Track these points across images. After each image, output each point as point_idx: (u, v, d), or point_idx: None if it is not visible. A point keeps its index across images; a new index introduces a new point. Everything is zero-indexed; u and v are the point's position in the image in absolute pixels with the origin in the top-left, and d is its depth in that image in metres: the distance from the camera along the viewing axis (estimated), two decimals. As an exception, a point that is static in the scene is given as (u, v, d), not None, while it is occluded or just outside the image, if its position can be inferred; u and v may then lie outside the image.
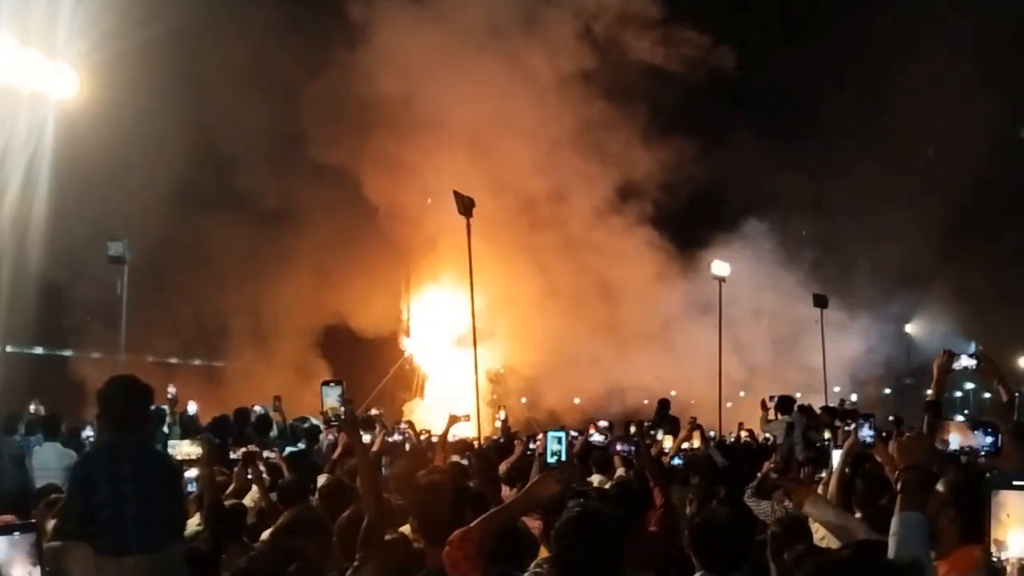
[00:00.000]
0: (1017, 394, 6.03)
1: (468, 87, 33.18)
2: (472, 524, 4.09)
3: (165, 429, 13.48)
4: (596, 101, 33.57)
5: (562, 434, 4.90)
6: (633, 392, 30.25)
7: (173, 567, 5.63)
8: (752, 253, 33.34)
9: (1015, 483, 2.99)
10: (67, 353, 28.48)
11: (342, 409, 5.92)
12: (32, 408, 15.15)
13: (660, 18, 33.23)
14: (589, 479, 9.01)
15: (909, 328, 35.19)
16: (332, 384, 5.95)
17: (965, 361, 6.11)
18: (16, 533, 3.57)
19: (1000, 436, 4.62)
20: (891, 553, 3.59)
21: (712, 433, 18.57)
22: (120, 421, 6.02)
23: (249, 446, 9.36)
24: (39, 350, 28.07)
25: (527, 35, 33.62)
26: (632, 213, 33.80)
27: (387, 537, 5.30)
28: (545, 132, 33.73)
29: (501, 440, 14.91)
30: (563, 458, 4.92)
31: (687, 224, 35.25)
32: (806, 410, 15.56)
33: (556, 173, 34.36)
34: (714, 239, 33.31)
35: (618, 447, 9.69)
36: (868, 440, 5.90)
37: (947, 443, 4.75)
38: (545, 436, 4.68)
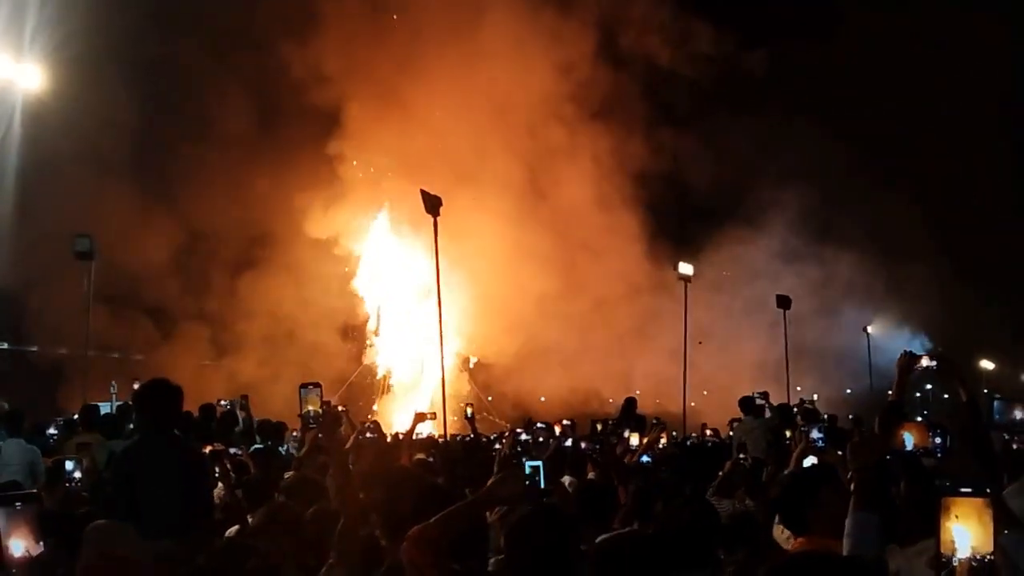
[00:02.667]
0: (994, 399, 6.14)
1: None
2: (430, 521, 4.11)
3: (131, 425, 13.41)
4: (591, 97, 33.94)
5: (539, 463, 4.99)
6: (603, 390, 30.44)
7: (199, 549, 5.81)
8: (726, 255, 33.76)
9: (962, 490, 3.10)
10: (33, 348, 28.27)
11: (319, 410, 6.06)
12: (-4, 404, 15.07)
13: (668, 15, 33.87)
14: (561, 480, 9.05)
15: (871, 329, 35.43)
16: (311, 386, 6.07)
17: (925, 362, 6.22)
18: (18, 504, 3.61)
19: (949, 438, 4.75)
20: (845, 551, 3.68)
21: (674, 433, 18.72)
22: (152, 420, 6.60)
23: (215, 443, 9.36)
24: (4, 345, 27.84)
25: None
26: (619, 209, 34.14)
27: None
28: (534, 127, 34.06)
29: (468, 438, 14.94)
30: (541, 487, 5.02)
31: (673, 223, 35.67)
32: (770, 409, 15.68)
33: (542, 163, 34.72)
34: (690, 241, 33.64)
35: (582, 445, 9.77)
36: (819, 444, 6.02)
37: (903, 443, 4.83)
38: (511, 434, 4.74)
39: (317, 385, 6.14)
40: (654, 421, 12.67)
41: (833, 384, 33.60)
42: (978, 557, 3.04)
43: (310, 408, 6.07)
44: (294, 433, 14.38)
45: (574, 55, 33.94)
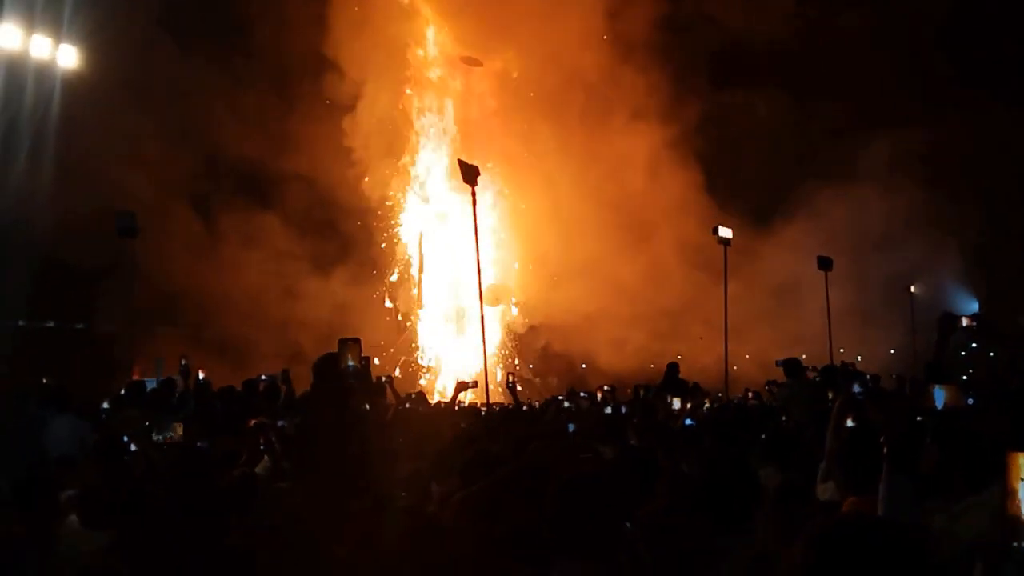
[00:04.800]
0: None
1: None
2: (473, 489, 4.15)
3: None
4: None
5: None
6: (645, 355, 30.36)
7: None
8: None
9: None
10: (80, 326, 28.62)
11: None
12: (45, 382, 15.32)
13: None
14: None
15: (914, 288, 35.10)
16: (350, 341, 6.26)
17: (965, 322, 6.21)
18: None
19: (983, 397, 4.74)
20: (879, 513, 3.70)
21: (719, 394, 18.68)
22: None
23: (260, 416, 9.50)
24: (51, 323, 28.21)
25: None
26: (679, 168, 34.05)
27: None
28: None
29: (509, 407, 15.00)
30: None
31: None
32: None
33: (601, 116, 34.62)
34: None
35: (623, 410, 9.84)
36: (859, 396, 6.03)
37: (934, 402, 4.81)
38: (555, 403, 4.74)
39: (356, 340, 6.28)
40: (692, 385, 12.70)
41: (877, 345, 33.37)
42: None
43: (350, 362, 6.25)
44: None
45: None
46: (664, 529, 5.15)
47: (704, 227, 32.08)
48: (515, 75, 35.23)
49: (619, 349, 32.14)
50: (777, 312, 32.56)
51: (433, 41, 36.59)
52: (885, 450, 3.86)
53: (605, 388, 14.82)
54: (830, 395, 12.53)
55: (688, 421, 10.46)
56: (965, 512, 4.22)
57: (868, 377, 14.96)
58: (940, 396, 4.80)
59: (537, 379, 34.06)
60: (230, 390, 14.41)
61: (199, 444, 7.95)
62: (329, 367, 6.91)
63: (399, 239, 36.73)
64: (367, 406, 7.62)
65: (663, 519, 5.28)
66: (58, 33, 20.91)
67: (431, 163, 36.46)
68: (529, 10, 33.09)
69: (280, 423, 10.21)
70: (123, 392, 14.03)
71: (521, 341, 36.27)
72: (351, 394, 7.03)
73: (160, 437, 8.27)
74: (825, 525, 2.71)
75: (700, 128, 34.39)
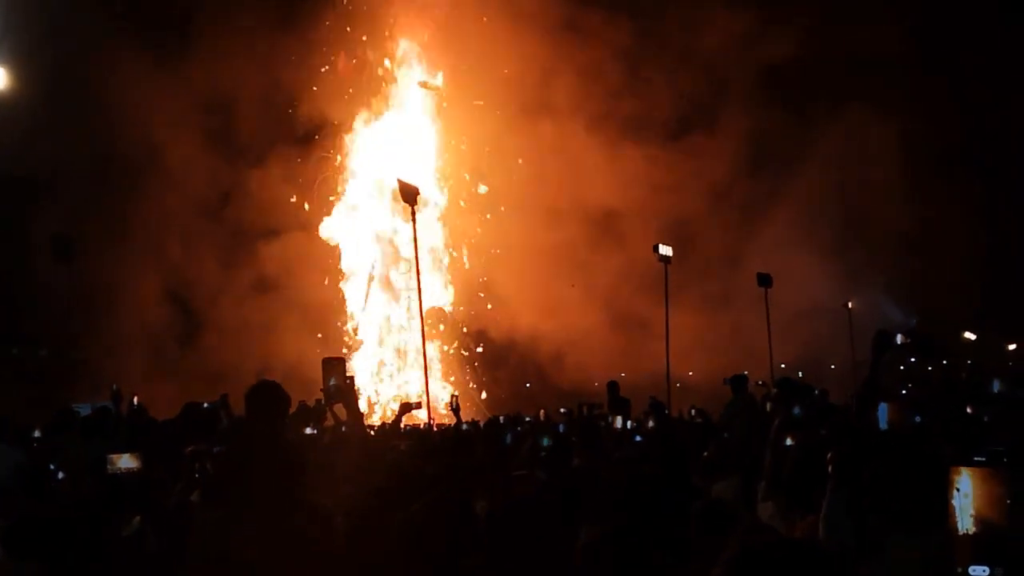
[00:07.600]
0: (968, 374, 6.16)
1: None
2: (408, 512, 4.07)
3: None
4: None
5: None
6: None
7: None
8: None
9: (976, 459, 3.05)
10: (13, 351, 28.15)
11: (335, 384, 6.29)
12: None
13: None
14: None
15: (852, 303, 35.51)
16: (335, 360, 6.28)
17: (900, 340, 6.24)
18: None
19: (924, 416, 4.74)
20: (821, 534, 3.65)
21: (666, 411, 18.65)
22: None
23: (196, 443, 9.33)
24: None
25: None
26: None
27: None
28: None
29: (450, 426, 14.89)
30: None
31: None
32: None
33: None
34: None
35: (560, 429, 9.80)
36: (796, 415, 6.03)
37: (877, 422, 4.80)
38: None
39: (341, 360, 6.29)
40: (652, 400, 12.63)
41: (817, 360, 33.65)
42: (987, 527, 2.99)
43: (333, 382, 6.26)
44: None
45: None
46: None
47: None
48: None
49: (566, 364, 32.20)
50: (717, 328, 32.82)
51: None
52: (830, 468, 3.82)
53: (562, 411, 14.75)
54: (768, 407, 12.54)
55: (637, 438, 10.48)
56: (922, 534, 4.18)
57: (817, 392, 14.93)
58: (883, 415, 4.79)
59: (482, 393, 34.04)
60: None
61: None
62: (260, 397, 6.78)
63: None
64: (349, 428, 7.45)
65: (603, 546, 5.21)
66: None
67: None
68: None
69: (216, 449, 10.03)
70: (53, 420, 13.70)
71: (467, 356, 36.20)
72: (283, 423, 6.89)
73: (114, 468, 8.03)
74: (741, 549, 2.65)
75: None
